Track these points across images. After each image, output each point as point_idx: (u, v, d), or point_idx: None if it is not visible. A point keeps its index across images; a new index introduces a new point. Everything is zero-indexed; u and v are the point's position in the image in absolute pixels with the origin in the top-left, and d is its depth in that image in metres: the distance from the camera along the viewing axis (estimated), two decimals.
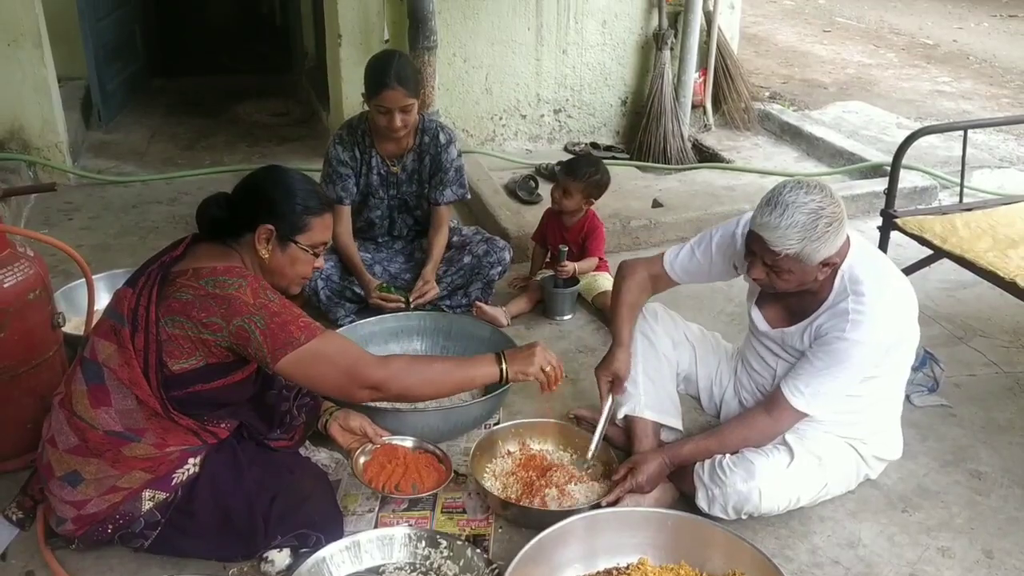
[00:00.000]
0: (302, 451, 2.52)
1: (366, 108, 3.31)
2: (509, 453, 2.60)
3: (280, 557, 2.13)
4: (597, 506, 2.32)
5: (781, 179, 5.19)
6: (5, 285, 2.37)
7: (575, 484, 2.44)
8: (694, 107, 5.85)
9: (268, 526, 2.12)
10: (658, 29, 5.60)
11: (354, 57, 5.01)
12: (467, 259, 3.46)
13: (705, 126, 6.05)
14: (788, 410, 2.28)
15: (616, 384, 2.49)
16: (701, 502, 2.34)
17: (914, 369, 2.94)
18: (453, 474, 2.42)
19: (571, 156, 4.95)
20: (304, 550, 2.14)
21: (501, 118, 5.63)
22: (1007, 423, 2.90)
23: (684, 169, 5.49)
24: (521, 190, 4.84)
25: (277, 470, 2.25)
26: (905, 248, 3.58)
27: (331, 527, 2.20)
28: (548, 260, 3.70)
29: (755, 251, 2.21)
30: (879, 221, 3.45)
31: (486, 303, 3.45)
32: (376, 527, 2.32)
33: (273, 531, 2.12)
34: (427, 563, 2.17)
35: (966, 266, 3.05)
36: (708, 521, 2.26)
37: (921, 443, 2.77)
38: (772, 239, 2.13)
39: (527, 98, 5.63)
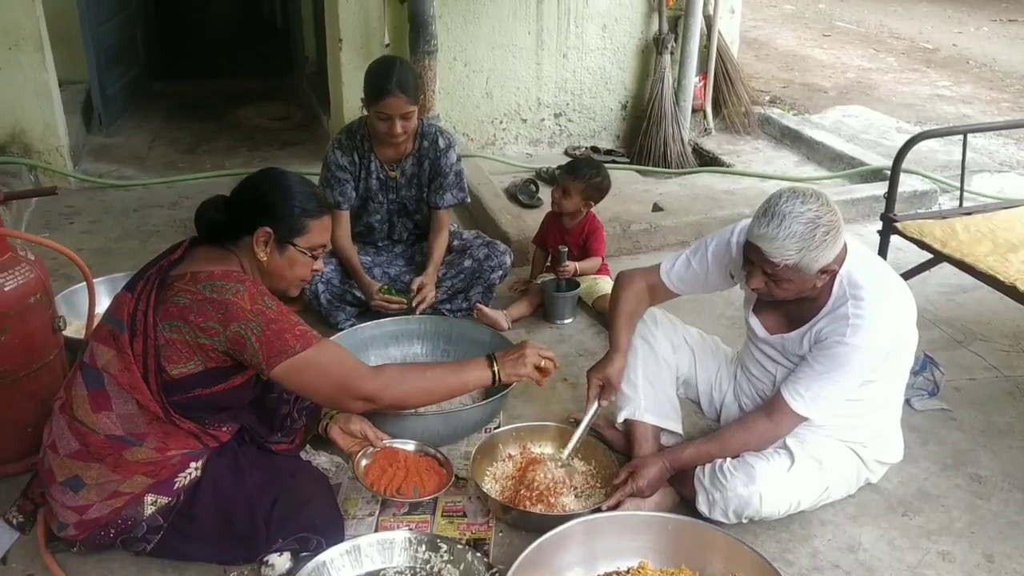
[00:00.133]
0: (303, 455, 2.52)
1: (365, 113, 3.31)
2: (510, 456, 2.60)
3: (281, 561, 2.13)
4: (597, 510, 2.31)
5: (781, 183, 5.21)
6: (6, 289, 2.37)
7: (566, 496, 2.44)
8: (694, 111, 5.86)
9: (269, 530, 2.12)
10: (658, 33, 5.61)
11: (355, 61, 5.02)
12: (468, 263, 3.46)
13: (705, 130, 6.06)
14: (788, 414, 2.28)
15: (606, 389, 2.50)
16: (701, 506, 2.34)
17: (914, 373, 2.94)
18: (454, 478, 2.42)
19: (571, 160, 4.95)
20: (305, 554, 2.14)
21: (501, 122, 5.63)
22: (1007, 427, 2.90)
23: (684, 173, 5.50)
24: (522, 194, 4.84)
25: (278, 474, 2.25)
26: (905, 252, 3.58)
27: (332, 531, 2.19)
28: (549, 264, 3.70)
29: (753, 261, 2.22)
30: (879, 225, 3.46)
31: (486, 307, 3.45)
32: (376, 531, 2.32)
33: (274, 535, 2.12)
34: (427, 567, 2.17)
35: (966, 270, 3.05)
36: (708, 525, 2.26)
37: (921, 447, 2.77)
38: (770, 250, 2.13)
39: (527, 102, 5.63)
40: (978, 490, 2.59)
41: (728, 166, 5.55)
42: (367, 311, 3.35)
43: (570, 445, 2.51)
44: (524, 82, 5.56)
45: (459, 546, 2.19)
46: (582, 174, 3.52)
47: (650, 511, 2.32)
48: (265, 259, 2.14)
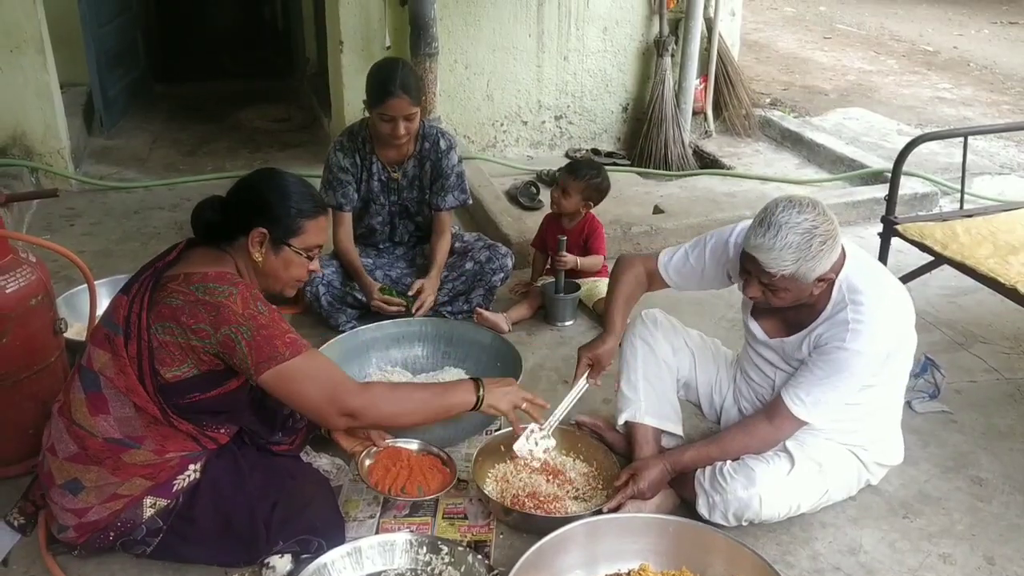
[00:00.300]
0: (303, 456, 2.52)
1: (367, 115, 3.31)
2: (511, 459, 2.59)
3: (282, 563, 2.13)
4: (598, 512, 2.32)
5: (782, 185, 5.20)
6: (7, 291, 2.37)
7: (567, 500, 2.44)
8: (695, 113, 5.87)
9: (269, 532, 2.12)
10: (659, 36, 5.61)
11: (356, 63, 5.02)
12: (469, 265, 3.47)
13: (706, 132, 6.06)
14: (789, 418, 2.28)
15: (595, 368, 2.51)
16: (702, 509, 2.34)
17: (915, 375, 2.95)
18: (455, 479, 2.42)
19: (572, 160, 4.96)
20: (305, 556, 2.14)
21: (502, 124, 5.64)
22: (1008, 429, 2.90)
23: (685, 175, 5.50)
24: (522, 196, 4.85)
25: (278, 476, 2.24)
26: (906, 254, 3.59)
27: (332, 533, 2.20)
28: (549, 266, 3.70)
29: (750, 271, 2.22)
30: (880, 228, 3.46)
31: (487, 309, 3.45)
32: (377, 533, 2.32)
33: (274, 537, 2.12)
34: (428, 569, 2.17)
35: (967, 272, 3.05)
36: (709, 527, 2.26)
37: (922, 449, 2.77)
38: (766, 260, 2.13)
39: (528, 104, 5.64)
40: (979, 492, 2.59)
41: (729, 168, 5.55)
42: (368, 313, 3.35)
43: (553, 417, 2.51)
44: (525, 84, 5.57)
45: (460, 548, 2.19)
46: (582, 174, 3.53)
47: (651, 513, 2.32)
48: (260, 260, 2.13)
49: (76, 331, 3.00)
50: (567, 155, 5.68)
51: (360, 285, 3.37)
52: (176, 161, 5.64)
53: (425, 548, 2.19)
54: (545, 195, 4.75)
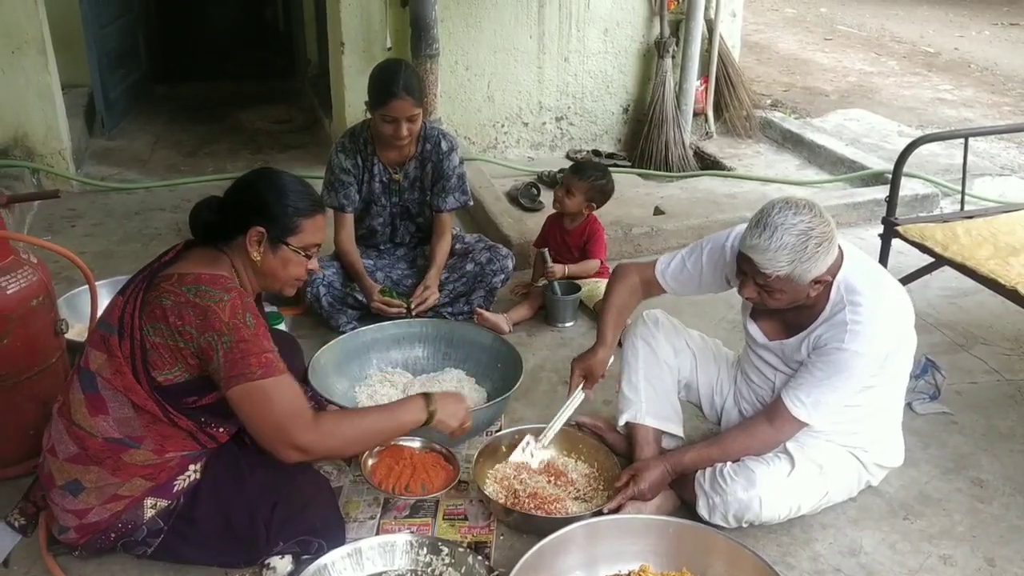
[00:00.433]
0: None
1: (368, 116, 3.32)
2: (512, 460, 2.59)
3: (282, 564, 2.13)
4: (599, 513, 2.32)
5: (782, 187, 5.20)
6: (8, 292, 2.38)
7: (568, 501, 2.44)
8: (696, 115, 5.87)
9: (270, 533, 2.12)
10: (660, 37, 5.61)
11: (357, 65, 5.03)
12: (470, 266, 3.47)
13: (707, 134, 6.07)
14: (790, 420, 2.28)
15: (589, 380, 2.53)
16: (702, 510, 2.34)
17: (916, 377, 2.94)
18: (459, 475, 2.42)
19: (577, 161, 4.96)
20: (306, 557, 2.14)
21: (503, 126, 5.64)
22: (1008, 431, 2.90)
23: (686, 176, 5.50)
24: (523, 197, 4.85)
25: (278, 476, 2.24)
26: (906, 256, 3.59)
27: (333, 533, 2.20)
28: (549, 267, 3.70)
29: (746, 271, 2.22)
30: (880, 229, 3.46)
31: (487, 310, 3.46)
32: (378, 534, 2.32)
33: (275, 538, 2.12)
34: (429, 570, 2.17)
35: (967, 274, 3.05)
36: (710, 528, 2.26)
37: (923, 450, 2.77)
38: (762, 261, 2.13)
39: (529, 106, 5.64)
40: (979, 494, 2.59)
41: (729, 170, 5.55)
42: (369, 314, 3.35)
43: (548, 432, 2.53)
44: (526, 86, 5.57)
45: (460, 549, 2.19)
46: (587, 175, 3.54)
47: (651, 514, 2.32)
48: (259, 259, 2.13)
49: (77, 332, 3.01)
50: (568, 156, 5.68)
51: (361, 287, 3.37)
52: (177, 162, 5.64)
53: (425, 549, 2.20)
54: (546, 196, 4.76)
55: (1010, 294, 2.88)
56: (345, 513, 2.37)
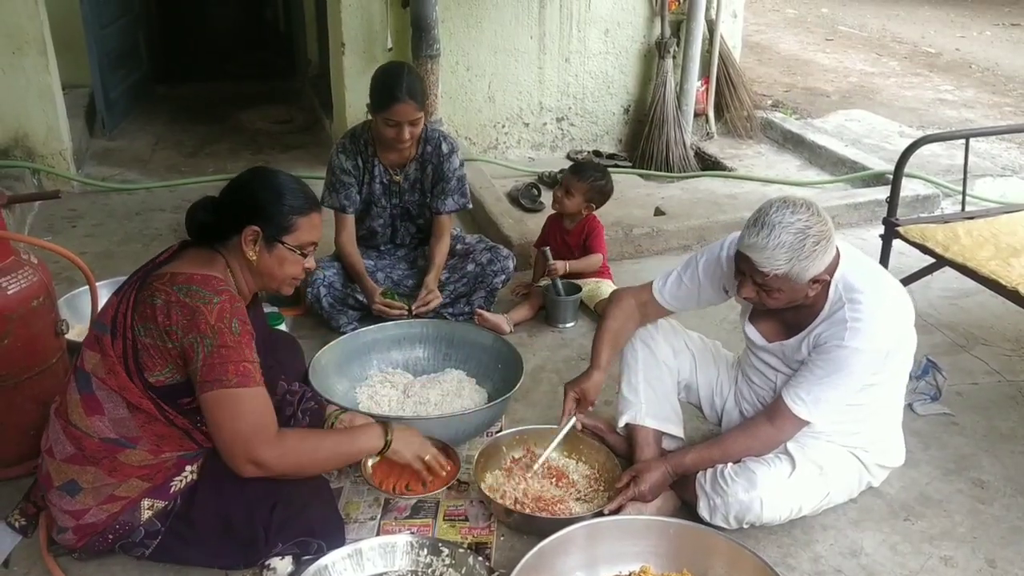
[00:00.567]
0: None
1: (369, 117, 3.32)
2: (514, 460, 2.59)
3: (282, 565, 2.13)
4: (599, 514, 2.32)
5: (783, 187, 5.19)
6: (9, 292, 2.38)
7: (569, 502, 2.44)
8: (696, 115, 5.87)
9: (269, 534, 2.11)
10: (660, 38, 5.61)
11: (357, 65, 5.03)
12: (471, 267, 3.47)
13: (707, 134, 6.07)
14: (791, 419, 2.28)
15: (582, 403, 2.52)
16: (703, 511, 2.34)
17: (916, 377, 2.94)
18: (455, 482, 2.42)
19: (577, 161, 4.96)
20: (306, 558, 2.14)
21: (504, 126, 5.64)
22: (1009, 432, 2.90)
23: (686, 177, 5.50)
24: (524, 198, 4.85)
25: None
26: (907, 256, 3.58)
27: (333, 534, 2.19)
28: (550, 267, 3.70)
29: (744, 271, 2.22)
30: (881, 229, 3.46)
31: (488, 311, 3.45)
32: (378, 534, 2.32)
33: (274, 539, 2.11)
34: (429, 571, 2.17)
35: (968, 275, 3.05)
36: (710, 529, 2.26)
37: (923, 451, 2.76)
38: (760, 260, 2.13)
39: (530, 106, 5.64)
40: (980, 495, 2.59)
41: (730, 170, 5.55)
42: (369, 315, 3.35)
43: (542, 457, 2.53)
44: (526, 86, 5.57)
45: (461, 550, 2.19)
46: (587, 175, 3.55)
47: (652, 515, 2.32)
48: (254, 258, 2.13)
49: (77, 332, 3.01)
50: (568, 157, 5.68)
51: (362, 287, 3.37)
52: (178, 163, 5.64)
53: (426, 550, 2.19)
54: (546, 197, 4.75)
55: (1011, 295, 2.88)
56: (345, 514, 2.37)
